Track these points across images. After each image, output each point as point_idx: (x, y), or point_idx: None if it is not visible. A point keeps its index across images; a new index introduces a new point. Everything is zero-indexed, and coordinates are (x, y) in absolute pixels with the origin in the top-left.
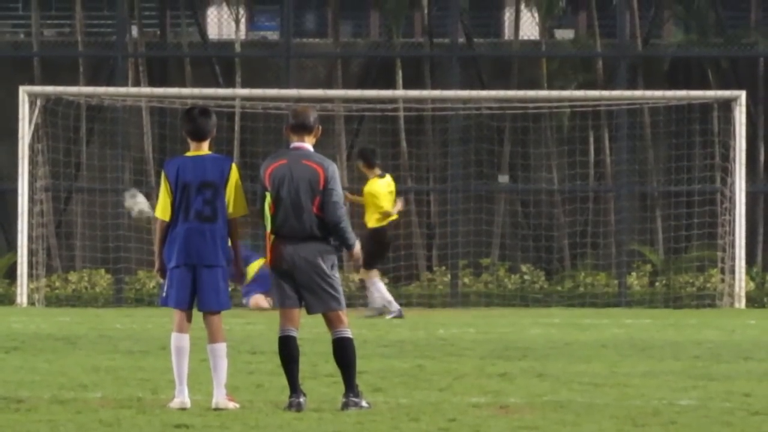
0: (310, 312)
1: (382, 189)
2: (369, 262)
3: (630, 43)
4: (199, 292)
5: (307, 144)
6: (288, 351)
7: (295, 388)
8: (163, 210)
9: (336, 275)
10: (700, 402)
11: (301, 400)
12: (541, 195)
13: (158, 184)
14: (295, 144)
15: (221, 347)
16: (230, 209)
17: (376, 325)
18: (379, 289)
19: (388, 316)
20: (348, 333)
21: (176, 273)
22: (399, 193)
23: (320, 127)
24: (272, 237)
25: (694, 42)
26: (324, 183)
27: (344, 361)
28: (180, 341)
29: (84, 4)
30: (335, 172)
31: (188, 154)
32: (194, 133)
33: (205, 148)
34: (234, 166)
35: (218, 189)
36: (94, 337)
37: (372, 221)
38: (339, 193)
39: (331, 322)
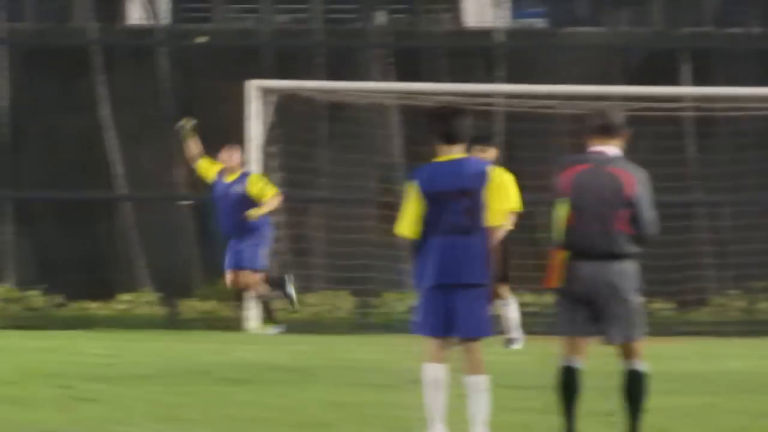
0: (610, 342)
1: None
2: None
3: None
4: (455, 316)
5: (612, 149)
6: (569, 384)
7: (570, 427)
8: (408, 225)
9: (639, 300)
10: None
11: None
12: None
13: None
14: (597, 148)
15: (482, 380)
16: (491, 219)
17: (661, 356)
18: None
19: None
20: (643, 366)
21: (429, 295)
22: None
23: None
24: (564, 253)
25: None
26: (631, 194)
27: (634, 396)
28: (434, 373)
29: None
30: (647, 181)
31: (439, 158)
32: (448, 136)
33: (459, 152)
34: (493, 169)
35: (476, 197)
36: (335, 369)
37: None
38: (652, 205)
39: (628, 353)
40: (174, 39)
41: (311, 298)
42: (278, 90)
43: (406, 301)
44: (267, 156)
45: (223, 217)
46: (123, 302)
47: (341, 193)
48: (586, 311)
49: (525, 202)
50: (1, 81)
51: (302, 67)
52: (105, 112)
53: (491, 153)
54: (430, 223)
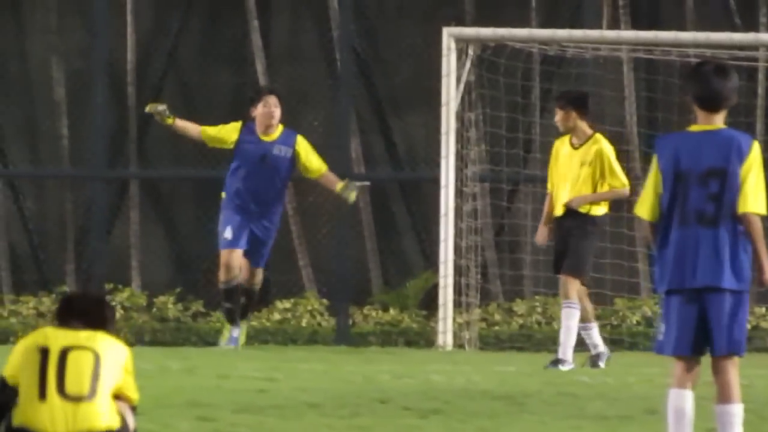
0: None
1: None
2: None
3: None
4: (709, 328)
5: None
6: None
7: None
8: (647, 206)
9: None
10: None
11: None
12: None
13: (646, 170)
14: None
15: (735, 410)
16: (744, 203)
17: None
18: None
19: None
20: None
21: (673, 302)
22: None
23: None
24: None
25: None
26: None
27: None
28: (679, 401)
29: None
30: None
31: (692, 128)
32: (705, 100)
33: (718, 122)
34: (756, 145)
35: (727, 178)
36: (550, 396)
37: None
38: None
39: None
40: None
41: (520, 305)
42: (480, 39)
43: (641, 309)
44: (464, 124)
45: (256, 185)
46: (280, 311)
47: None
48: None
49: None
50: (126, 28)
51: (511, 11)
52: (260, 67)
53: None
54: (671, 208)
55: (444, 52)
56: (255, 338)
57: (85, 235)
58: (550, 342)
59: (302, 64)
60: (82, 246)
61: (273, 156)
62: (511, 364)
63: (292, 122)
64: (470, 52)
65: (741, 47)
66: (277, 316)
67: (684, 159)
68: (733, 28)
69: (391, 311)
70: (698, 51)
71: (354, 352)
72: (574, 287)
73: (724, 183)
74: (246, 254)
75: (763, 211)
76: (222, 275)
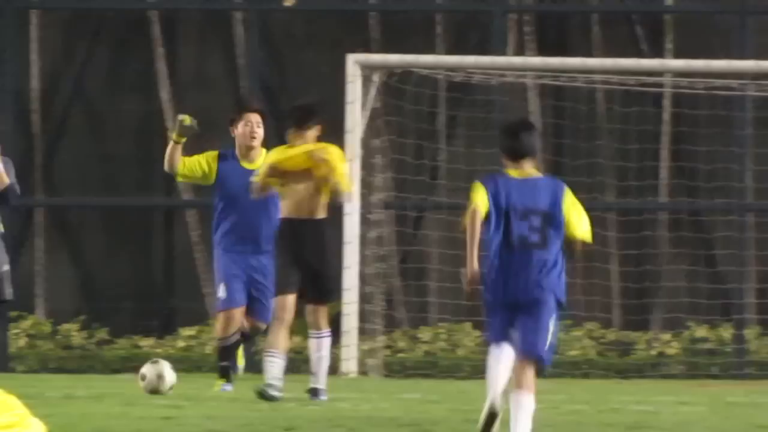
0: None
1: None
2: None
3: None
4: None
5: None
6: None
7: None
8: (484, 202)
9: None
10: None
11: None
12: None
13: None
14: None
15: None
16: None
17: None
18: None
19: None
20: None
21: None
22: None
23: None
24: None
25: None
26: None
27: None
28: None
29: None
30: None
31: (511, 173)
32: (511, 153)
33: (528, 168)
34: (568, 190)
35: (550, 217)
36: (457, 423)
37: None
38: None
39: None
40: (255, 2)
41: (425, 332)
42: (386, 66)
43: None
44: (370, 151)
45: (248, 220)
46: (185, 338)
47: (465, 198)
48: None
49: (700, 209)
50: (33, 56)
51: (417, 38)
52: (166, 95)
53: (312, 134)
54: (497, 237)
55: (349, 78)
56: None
57: None
58: (456, 369)
59: (208, 91)
60: None
61: None
62: (416, 392)
63: (199, 150)
64: (375, 78)
65: (647, 73)
66: (182, 344)
67: (507, 198)
68: (640, 54)
69: (296, 338)
70: (605, 77)
71: (260, 380)
72: (326, 315)
73: (546, 220)
74: (251, 309)
75: (588, 238)
76: (219, 332)
